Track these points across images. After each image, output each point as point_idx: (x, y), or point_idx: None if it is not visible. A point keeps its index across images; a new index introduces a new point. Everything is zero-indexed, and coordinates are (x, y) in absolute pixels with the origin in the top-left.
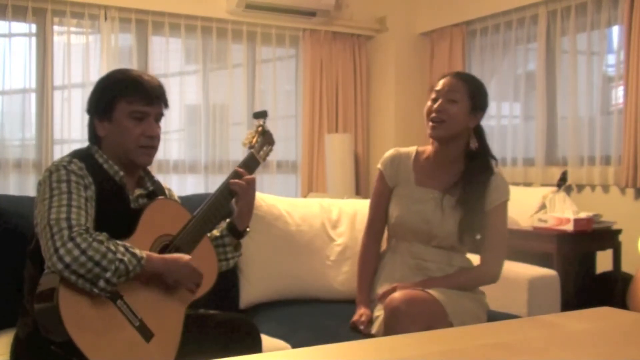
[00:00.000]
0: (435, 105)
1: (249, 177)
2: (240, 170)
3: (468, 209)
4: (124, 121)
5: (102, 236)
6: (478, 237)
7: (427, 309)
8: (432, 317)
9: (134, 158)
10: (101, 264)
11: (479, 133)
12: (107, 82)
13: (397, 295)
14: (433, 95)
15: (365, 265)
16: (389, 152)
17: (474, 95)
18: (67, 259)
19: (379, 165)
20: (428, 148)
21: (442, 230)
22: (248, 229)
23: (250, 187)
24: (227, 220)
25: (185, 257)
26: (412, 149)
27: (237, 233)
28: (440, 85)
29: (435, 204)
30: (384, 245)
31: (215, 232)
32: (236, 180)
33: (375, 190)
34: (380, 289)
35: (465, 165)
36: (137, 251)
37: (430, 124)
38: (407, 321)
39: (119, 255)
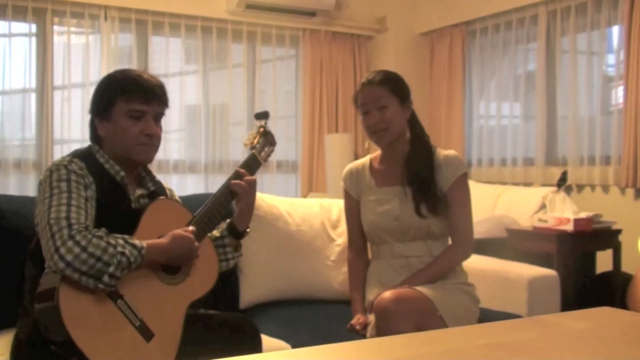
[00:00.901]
0: (371, 120)
1: (249, 178)
2: (242, 171)
3: (420, 189)
4: (122, 120)
5: (101, 232)
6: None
7: (417, 306)
8: (422, 313)
9: (134, 155)
10: (103, 259)
11: (412, 120)
12: (107, 82)
13: (385, 295)
14: (362, 109)
15: (354, 278)
16: (346, 169)
17: (396, 90)
18: (68, 257)
19: (341, 183)
20: (378, 152)
21: (411, 221)
22: (248, 230)
23: (251, 188)
24: (227, 220)
25: (173, 231)
26: (366, 159)
27: (237, 234)
28: (363, 98)
29: (399, 199)
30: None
31: (215, 233)
32: (237, 181)
33: (345, 208)
34: (371, 295)
35: (410, 150)
36: (136, 242)
37: (374, 137)
38: (397, 320)
39: (120, 249)
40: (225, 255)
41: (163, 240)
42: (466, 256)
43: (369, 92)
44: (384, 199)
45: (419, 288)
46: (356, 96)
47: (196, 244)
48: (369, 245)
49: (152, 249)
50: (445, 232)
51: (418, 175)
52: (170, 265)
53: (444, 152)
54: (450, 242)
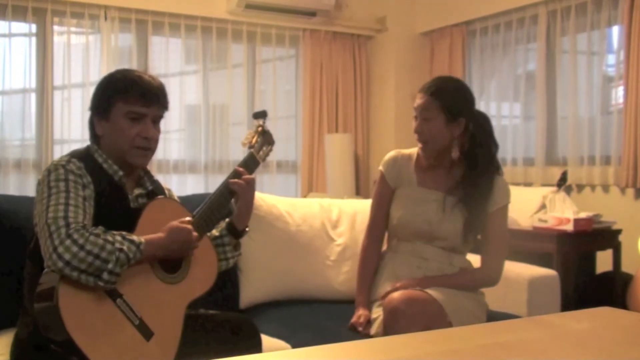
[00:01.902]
0: (415, 126)
1: (248, 176)
2: (240, 169)
3: (471, 210)
4: (120, 121)
5: (99, 229)
6: (479, 237)
7: (427, 309)
8: (432, 317)
9: (129, 159)
10: (101, 256)
11: (473, 137)
12: (107, 82)
13: (396, 295)
14: (414, 113)
15: (365, 266)
16: (391, 154)
17: (447, 107)
18: (67, 256)
19: (380, 167)
20: None
21: (443, 231)
22: (247, 229)
23: (250, 186)
24: (226, 220)
25: (170, 223)
26: (414, 151)
27: (236, 233)
28: (416, 103)
29: (437, 205)
30: (384, 246)
31: (215, 232)
32: (236, 180)
33: (376, 192)
34: (382, 288)
35: (466, 166)
36: (134, 237)
37: (419, 144)
38: (406, 321)
39: (118, 245)
40: (225, 254)
41: (160, 235)
42: (489, 286)
43: (420, 100)
44: (421, 199)
45: (430, 291)
46: (414, 96)
47: (194, 234)
48: (386, 236)
49: (150, 243)
50: (469, 249)
51: (475, 199)
52: (170, 259)
53: (499, 176)
54: (480, 262)
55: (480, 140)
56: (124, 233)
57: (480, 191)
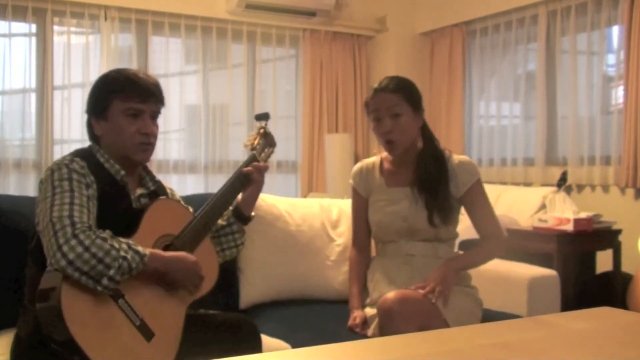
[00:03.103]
0: (384, 128)
1: (260, 165)
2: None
3: (428, 189)
4: (119, 119)
5: (106, 233)
6: (454, 215)
7: (421, 308)
8: (426, 315)
9: (131, 155)
10: (104, 261)
11: (424, 126)
12: (102, 82)
13: (390, 295)
14: (373, 115)
15: (355, 274)
16: (356, 166)
17: (410, 98)
18: (71, 255)
19: (350, 181)
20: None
21: (419, 223)
22: (253, 214)
23: (262, 175)
24: (230, 208)
25: (191, 257)
26: (376, 158)
27: (244, 219)
28: (376, 104)
29: (408, 200)
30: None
31: (221, 222)
32: (250, 169)
33: (352, 205)
34: (377, 291)
35: (418, 157)
36: (140, 248)
37: (387, 145)
38: (401, 321)
39: (122, 253)
40: (235, 241)
41: (171, 254)
42: (502, 250)
43: (382, 99)
44: (393, 199)
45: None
46: (368, 102)
47: (202, 274)
48: (373, 243)
49: (155, 258)
50: (453, 235)
51: (428, 180)
52: (172, 282)
53: (458, 157)
54: (480, 237)
55: (426, 133)
56: (130, 242)
57: (432, 174)
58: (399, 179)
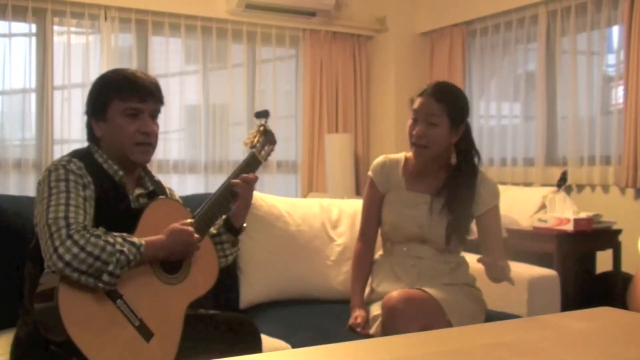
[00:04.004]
0: (416, 130)
1: (249, 176)
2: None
3: (455, 211)
4: (118, 119)
5: (99, 231)
6: (469, 237)
7: (425, 307)
8: (430, 316)
9: (131, 156)
10: (101, 258)
11: (464, 141)
12: (101, 82)
13: (394, 294)
14: (412, 115)
15: (360, 269)
16: (379, 159)
17: (453, 112)
18: (67, 257)
19: (369, 172)
20: None
21: (433, 233)
22: (245, 225)
23: (250, 186)
24: (223, 217)
25: (176, 226)
26: (401, 155)
27: (234, 230)
28: (418, 105)
29: (426, 208)
30: (379, 249)
31: (213, 230)
32: (238, 181)
33: (366, 197)
34: (382, 288)
35: (451, 171)
36: (135, 239)
37: (414, 148)
38: (405, 320)
39: (118, 247)
40: (224, 251)
41: (161, 237)
42: (498, 274)
43: (424, 103)
44: (411, 203)
45: (428, 290)
46: (413, 100)
47: (196, 236)
48: (380, 240)
49: (151, 245)
50: (462, 248)
51: (457, 201)
52: (171, 260)
53: (484, 177)
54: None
55: (465, 147)
56: (124, 235)
57: (462, 196)
58: (421, 185)
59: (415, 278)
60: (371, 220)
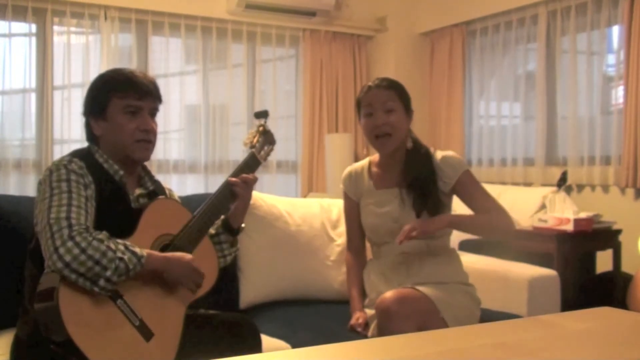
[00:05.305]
0: (377, 121)
1: (248, 177)
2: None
3: (418, 193)
4: (118, 117)
5: (102, 235)
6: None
7: (419, 307)
8: (424, 314)
9: (131, 153)
10: (101, 263)
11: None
12: (100, 82)
13: (387, 295)
14: (366, 111)
15: (354, 276)
16: (345, 171)
17: (403, 97)
18: (67, 257)
19: (340, 186)
20: (377, 155)
21: (409, 222)
22: (243, 225)
23: (249, 187)
24: (222, 217)
25: (187, 256)
26: (365, 161)
27: (232, 230)
28: (370, 98)
29: (397, 201)
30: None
31: (211, 231)
32: (236, 180)
33: (345, 210)
34: (373, 293)
35: (405, 158)
36: (137, 250)
37: (378, 140)
38: (399, 320)
39: (119, 254)
40: (222, 251)
41: (165, 255)
42: (507, 222)
43: (376, 94)
44: (383, 200)
45: (421, 289)
46: (360, 99)
47: (201, 273)
48: (368, 246)
49: (153, 259)
50: (445, 232)
51: (417, 180)
52: (172, 282)
53: (441, 153)
54: None
55: (412, 133)
56: (127, 243)
57: (422, 174)
58: (387, 181)
59: (405, 275)
60: (354, 229)
